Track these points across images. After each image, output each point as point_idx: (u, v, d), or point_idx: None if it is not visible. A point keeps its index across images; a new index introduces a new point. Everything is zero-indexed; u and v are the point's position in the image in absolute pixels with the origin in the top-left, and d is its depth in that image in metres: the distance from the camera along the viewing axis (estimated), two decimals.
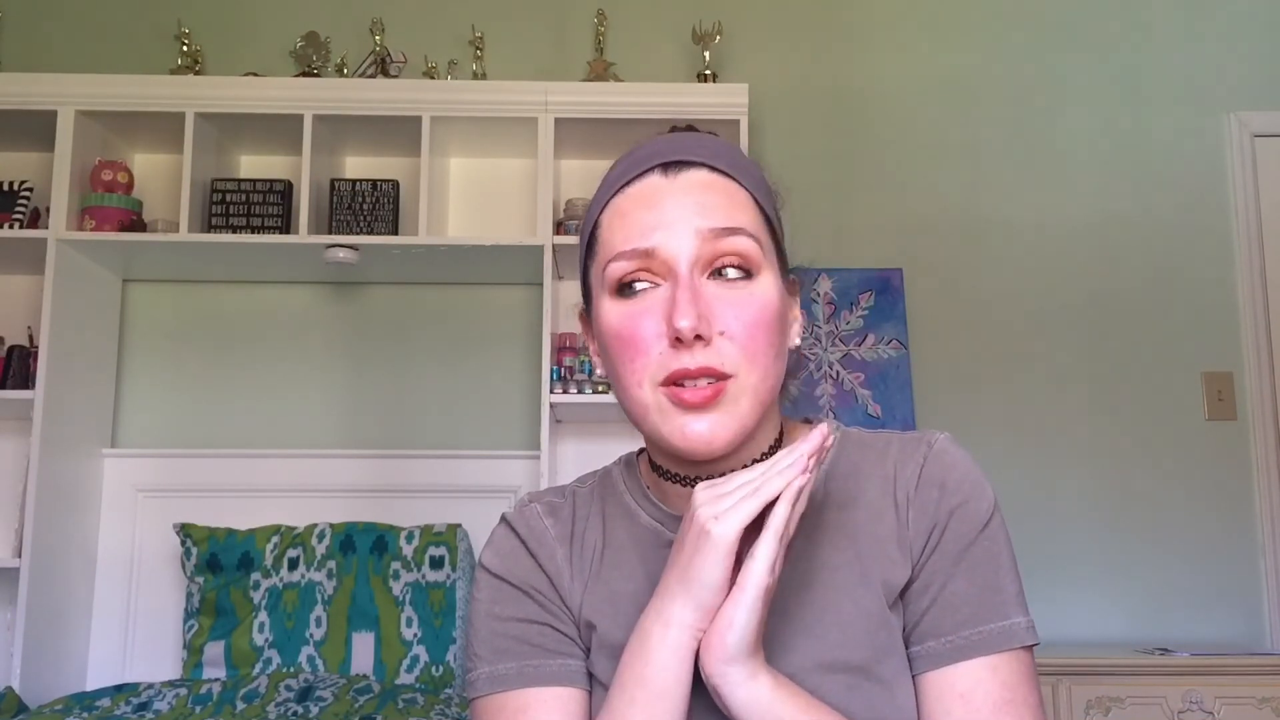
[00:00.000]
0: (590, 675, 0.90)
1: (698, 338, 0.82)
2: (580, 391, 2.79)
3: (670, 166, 0.88)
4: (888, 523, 0.88)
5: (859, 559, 0.87)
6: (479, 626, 0.92)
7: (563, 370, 2.83)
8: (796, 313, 0.93)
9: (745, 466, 0.88)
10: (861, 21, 3.27)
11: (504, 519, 0.96)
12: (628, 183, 0.88)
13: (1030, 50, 3.26)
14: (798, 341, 0.92)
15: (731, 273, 0.85)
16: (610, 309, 0.87)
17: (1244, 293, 3.11)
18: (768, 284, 0.86)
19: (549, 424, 2.75)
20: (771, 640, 0.85)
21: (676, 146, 0.89)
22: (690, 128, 0.96)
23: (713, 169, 0.88)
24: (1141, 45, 3.26)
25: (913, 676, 0.86)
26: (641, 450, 0.98)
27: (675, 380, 0.83)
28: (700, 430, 0.82)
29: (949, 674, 0.84)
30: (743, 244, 0.85)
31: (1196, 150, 3.20)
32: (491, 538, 0.96)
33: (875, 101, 3.22)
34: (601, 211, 0.90)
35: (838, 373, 3.00)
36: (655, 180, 0.87)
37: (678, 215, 0.85)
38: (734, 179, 0.88)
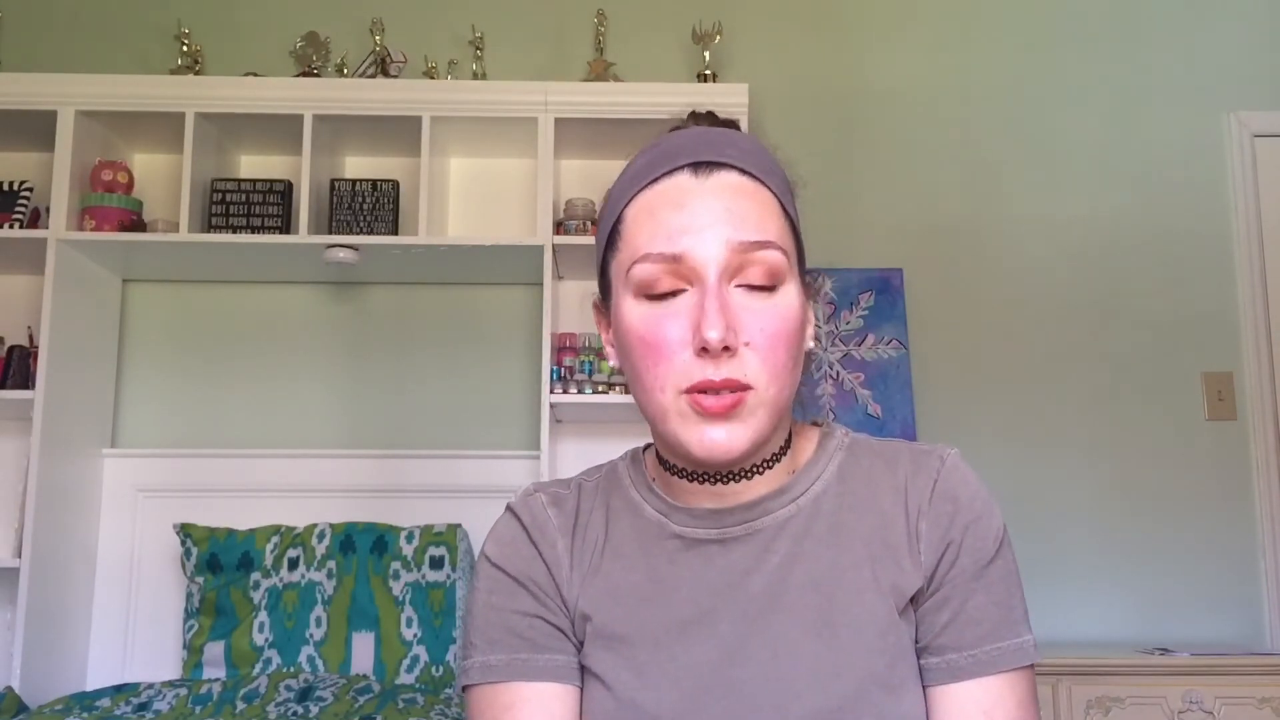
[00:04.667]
0: (583, 669, 0.91)
1: (725, 349, 0.81)
2: (580, 391, 2.79)
3: (701, 167, 0.86)
4: (898, 531, 0.89)
5: (870, 563, 0.88)
6: (476, 614, 0.93)
7: (563, 370, 2.83)
8: (811, 315, 0.93)
9: (754, 467, 0.89)
10: (862, 21, 3.27)
11: (509, 508, 0.97)
12: (656, 179, 0.87)
13: (1030, 50, 3.26)
14: (811, 344, 0.92)
15: (758, 283, 0.84)
16: (633, 309, 0.86)
17: (1244, 293, 3.11)
18: (791, 294, 0.85)
19: (549, 424, 2.75)
20: (780, 642, 0.85)
21: (708, 145, 0.87)
22: (710, 114, 0.95)
23: (744, 172, 0.86)
24: (1141, 45, 3.26)
25: (925, 687, 0.86)
26: (648, 445, 0.98)
27: (698, 390, 0.82)
28: (718, 439, 0.83)
29: (972, 689, 0.85)
30: (772, 257, 0.84)
31: (1196, 150, 3.20)
32: (495, 527, 0.97)
33: (875, 101, 3.22)
34: (627, 205, 0.88)
35: (838, 373, 2.99)
36: (685, 180, 0.86)
37: (708, 221, 0.84)
38: (764, 183, 0.87)
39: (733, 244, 0.83)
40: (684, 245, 0.83)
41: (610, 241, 0.89)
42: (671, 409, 0.84)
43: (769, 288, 0.84)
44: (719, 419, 0.82)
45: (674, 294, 0.84)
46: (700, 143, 0.88)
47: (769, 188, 0.87)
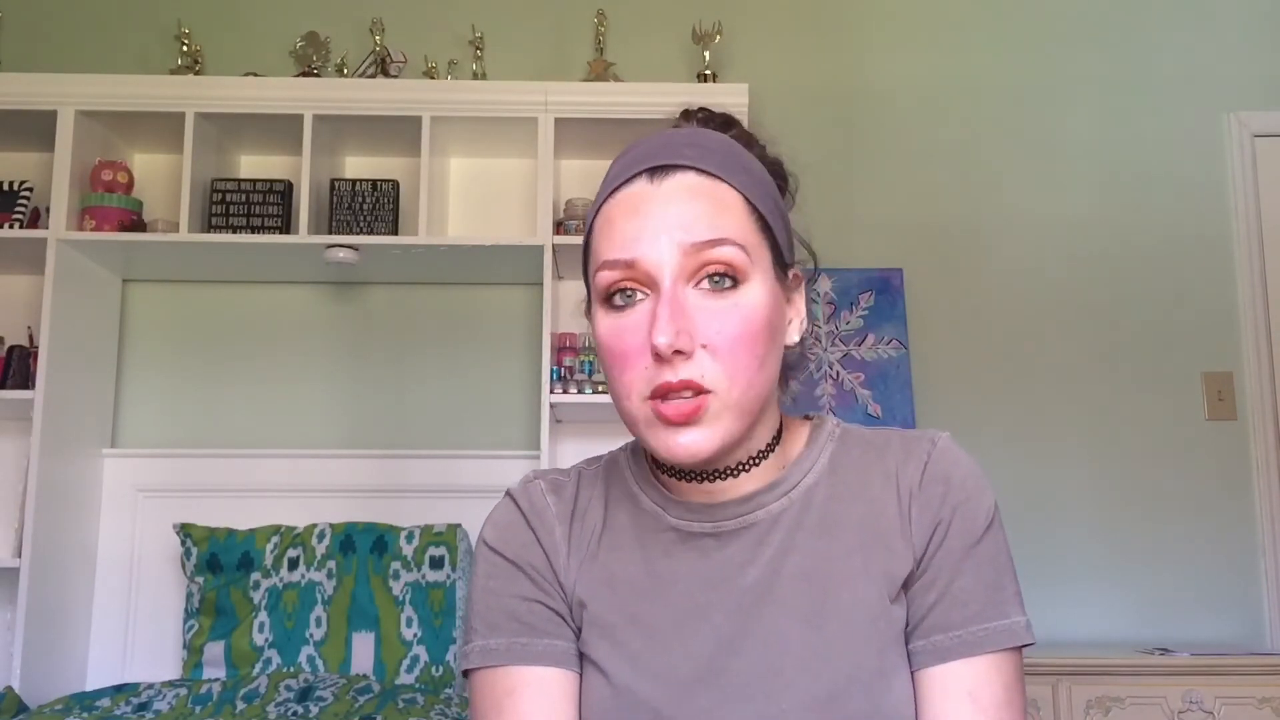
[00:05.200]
0: (581, 656, 0.91)
1: (678, 352, 0.81)
2: (580, 391, 2.79)
3: (656, 171, 0.86)
4: (889, 516, 0.89)
5: (861, 551, 0.88)
6: (475, 599, 0.94)
7: (563, 370, 2.83)
8: (799, 308, 0.92)
9: (740, 465, 0.89)
10: (862, 21, 3.27)
11: (508, 493, 0.97)
12: (617, 187, 0.88)
13: (1030, 50, 3.26)
14: (796, 339, 0.92)
15: (716, 281, 0.84)
16: (601, 320, 0.87)
17: (1244, 293, 3.11)
18: (755, 290, 0.85)
19: (549, 424, 2.75)
20: (772, 633, 0.86)
21: (666, 148, 0.88)
22: (703, 110, 0.95)
23: (701, 171, 0.86)
24: (1141, 45, 3.26)
25: (914, 671, 0.87)
26: None
27: (660, 395, 0.83)
28: (684, 444, 0.83)
29: (957, 670, 0.85)
30: (727, 254, 0.84)
31: (1196, 150, 3.20)
32: (493, 511, 0.97)
33: (875, 101, 3.22)
34: (595, 216, 0.89)
35: (838, 373, 3.00)
36: (641, 186, 0.86)
37: (660, 225, 0.84)
38: (723, 180, 0.86)
39: (684, 246, 0.83)
40: (637, 251, 0.84)
41: (586, 253, 0.91)
42: (640, 416, 0.85)
43: (730, 283, 0.84)
44: (682, 425, 0.83)
45: (635, 302, 0.84)
46: (659, 147, 0.88)
47: (730, 184, 0.87)
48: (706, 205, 0.85)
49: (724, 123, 0.95)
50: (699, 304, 0.83)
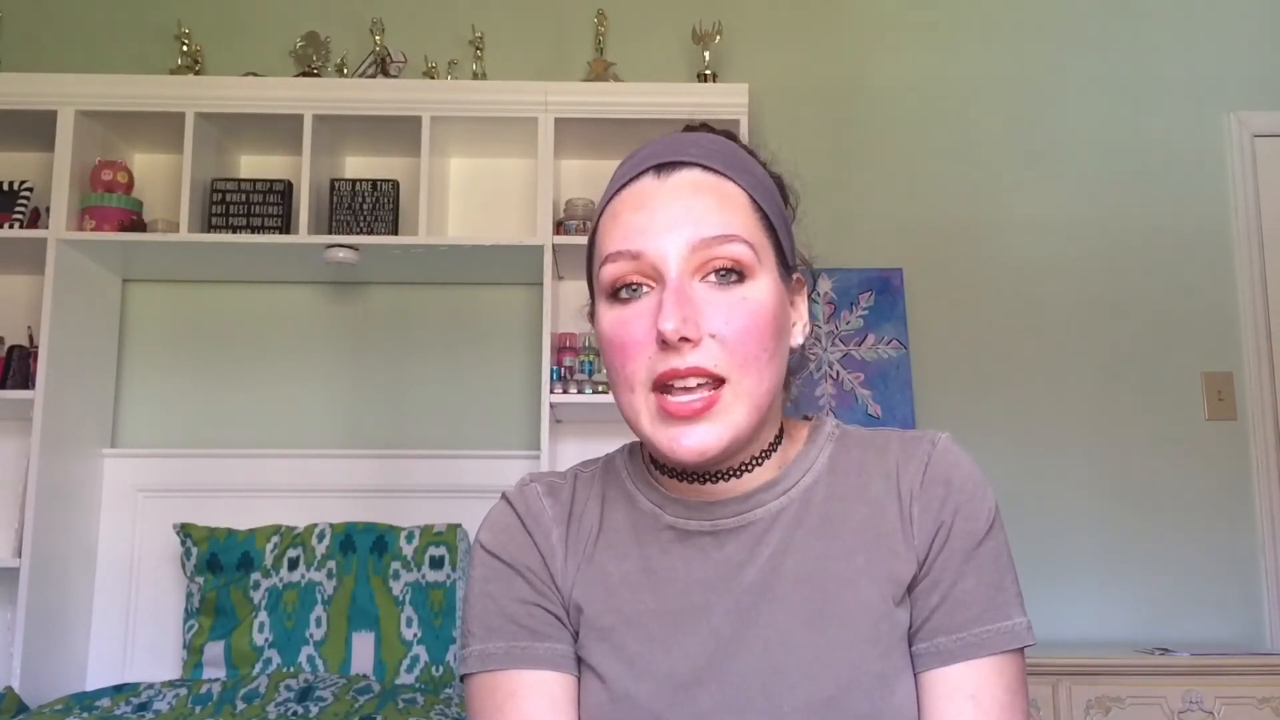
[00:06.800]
0: (580, 660, 0.91)
1: (685, 340, 0.81)
2: (580, 391, 2.79)
3: (663, 168, 0.87)
4: (890, 518, 0.89)
5: (862, 552, 0.88)
6: (473, 603, 0.93)
7: (563, 370, 2.83)
8: (801, 311, 0.93)
9: (743, 465, 0.89)
10: (862, 21, 3.27)
11: (503, 496, 0.97)
12: (624, 185, 0.88)
13: (1030, 50, 3.26)
14: (800, 341, 0.92)
15: (723, 276, 0.84)
16: (605, 313, 0.87)
17: (1244, 293, 3.11)
18: (762, 286, 0.85)
19: (549, 424, 2.75)
20: (773, 633, 0.86)
21: (672, 146, 0.89)
22: (705, 125, 0.96)
23: (706, 168, 0.87)
24: (1141, 45, 3.26)
25: (916, 674, 0.86)
26: None
27: (665, 381, 0.82)
28: (691, 444, 0.82)
29: (958, 673, 0.85)
30: (734, 250, 0.84)
31: (1196, 150, 3.20)
32: (489, 514, 0.97)
33: (875, 101, 3.22)
34: (601, 216, 0.90)
35: (838, 373, 3.00)
36: (648, 182, 0.87)
37: (666, 219, 0.84)
38: (729, 178, 0.87)
39: (692, 240, 0.83)
40: (643, 243, 0.84)
41: (590, 252, 0.91)
42: (643, 409, 0.84)
43: (736, 278, 0.84)
44: (689, 421, 0.82)
45: (641, 295, 0.85)
46: (664, 146, 0.89)
47: (736, 181, 0.87)
48: (713, 200, 0.85)
49: (725, 136, 0.95)
50: (706, 296, 0.83)
